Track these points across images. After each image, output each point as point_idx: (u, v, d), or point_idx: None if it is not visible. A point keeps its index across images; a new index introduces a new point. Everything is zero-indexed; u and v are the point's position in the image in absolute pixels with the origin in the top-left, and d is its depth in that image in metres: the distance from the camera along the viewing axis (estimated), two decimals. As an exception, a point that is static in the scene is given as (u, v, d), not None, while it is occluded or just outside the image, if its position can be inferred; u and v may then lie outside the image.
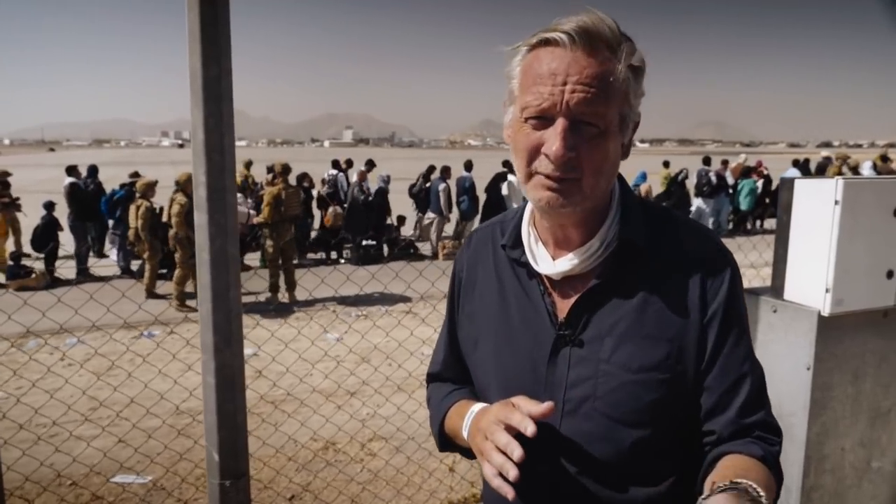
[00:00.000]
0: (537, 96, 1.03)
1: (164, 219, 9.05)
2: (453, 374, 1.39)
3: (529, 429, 0.98)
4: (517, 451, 0.97)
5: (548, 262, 1.17)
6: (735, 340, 1.11)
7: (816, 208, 2.03)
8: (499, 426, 1.02)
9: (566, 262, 1.14)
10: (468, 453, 1.26)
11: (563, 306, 1.15)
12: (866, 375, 2.19)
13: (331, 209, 11.91)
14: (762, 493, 0.91)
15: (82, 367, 4.52)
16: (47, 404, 4.04)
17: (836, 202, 1.96)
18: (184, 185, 9.06)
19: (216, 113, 1.74)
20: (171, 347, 5.01)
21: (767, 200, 17.27)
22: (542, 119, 1.04)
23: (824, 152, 18.79)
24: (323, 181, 13.45)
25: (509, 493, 0.99)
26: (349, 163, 14.59)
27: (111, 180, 13.42)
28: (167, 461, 4.04)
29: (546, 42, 1.04)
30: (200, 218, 1.78)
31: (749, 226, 16.69)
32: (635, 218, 1.16)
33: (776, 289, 2.19)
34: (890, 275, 2.11)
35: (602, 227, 1.14)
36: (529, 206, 1.24)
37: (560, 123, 1.02)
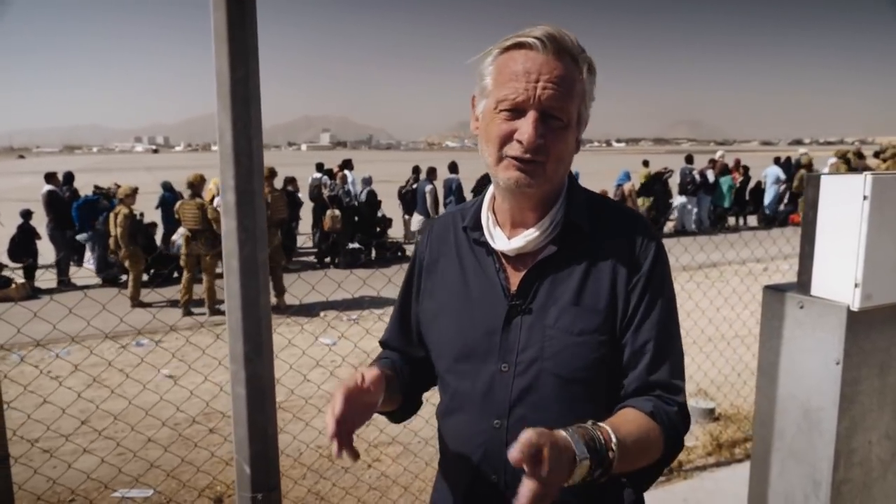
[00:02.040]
0: (513, 91, 1.18)
1: (191, 224, 8.83)
2: (397, 344, 1.55)
3: (338, 408, 1.11)
4: (329, 427, 1.11)
5: (503, 241, 1.32)
6: (651, 306, 1.27)
7: (844, 204, 2.03)
8: (329, 413, 1.14)
9: (520, 240, 1.30)
10: (389, 416, 1.49)
11: (515, 280, 1.31)
12: (891, 368, 2.20)
13: (328, 213, 11.75)
14: (604, 438, 1.06)
15: (95, 380, 4.39)
16: (42, 417, 3.94)
17: (865, 197, 1.97)
18: (198, 187, 8.97)
19: (244, 115, 1.69)
20: (163, 357, 4.92)
21: (748, 198, 17.52)
22: (516, 111, 1.19)
23: (801, 149, 19.06)
24: (324, 184, 13.21)
25: (347, 462, 1.13)
26: (346, 164, 14.26)
27: (85, 187, 13.20)
28: (172, 473, 3.95)
29: (520, 45, 1.21)
30: (229, 223, 1.73)
31: (731, 223, 16.87)
32: (579, 204, 1.33)
33: (803, 284, 2.19)
34: (914, 268, 2.11)
35: (552, 210, 1.31)
36: (489, 195, 1.39)
37: (532, 115, 1.18)
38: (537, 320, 1.27)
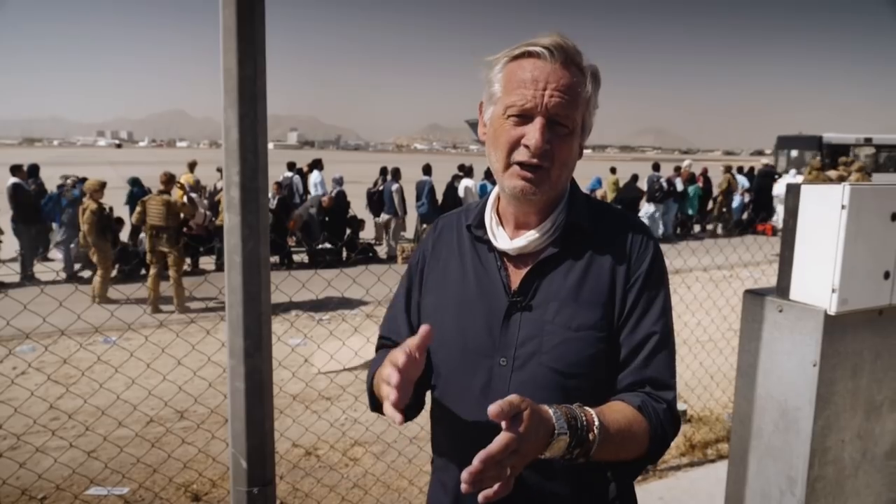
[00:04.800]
0: (521, 97, 1.23)
1: (155, 221, 8.70)
2: (399, 338, 1.50)
3: (401, 360, 1.10)
4: (393, 378, 1.08)
5: (506, 240, 1.36)
6: (647, 305, 1.31)
7: (823, 213, 2.12)
8: (390, 367, 1.12)
9: (523, 240, 1.34)
10: None
11: (516, 278, 1.34)
12: (863, 371, 2.29)
13: (295, 213, 11.71)
14: (587, 420, 1.09)
15: (84, 373, 4.31)
16: (7, 416, 3.87)
17: (843, 207, 2.05)
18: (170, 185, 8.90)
19: (251, 113, 1.71)
20: (129, 354, 4.84)
21: (710, 206, 17.89)
22: (523, 117, 1.24)
23: (763, 160, 19.54)
24: (279, 185, 13.19)
25: (397, 418, 1.09)
26: (315, 164, 14.14)
27: (49, 180, 12.93)
28: (141, 473, 3.91)
29: (529, 54, 1.25)
30: (232, 219, 1.75)
31: (696, 230, 17.21)
32: (580, 206, 1.38)
33: (782, 289, 2.27)
34: (886, 275, 2.22)
35: (554, 212, 1.35)
36: (493, 195, 1.44)
37: (539, 121, 1.22)
38: (537, 316, 1.30)
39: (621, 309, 1.31)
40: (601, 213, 1.40)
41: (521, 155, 1.25)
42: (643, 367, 1.30)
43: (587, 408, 1.14)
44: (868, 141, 22.64)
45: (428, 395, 1.56)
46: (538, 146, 1.22)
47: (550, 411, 1.06)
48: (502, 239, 1.37)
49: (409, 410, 1.46)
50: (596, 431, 1.10)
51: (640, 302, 1.31)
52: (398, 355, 1.12)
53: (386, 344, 1.58)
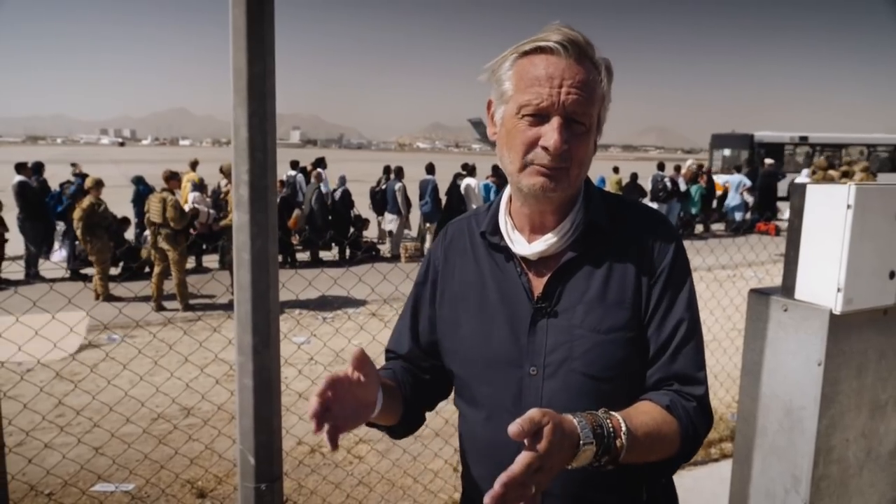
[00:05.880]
0: (536, 96, 1.17)
1: (155, 218, 8.73)
2: (406, 352, 1.50)
3: (320, 387, 1.04)
4: (312, 404, 1.03)
5: (524, 245, 1.31)
6: (673, 300, 1.27)
7: (829, 213, 2.12)
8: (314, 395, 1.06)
9: (542, 243, 1.29)
10: (389, 431, 1.42)
11: (538, 284, 1.29)
12: (868, 370, 2.29)
13: (296, 211, 11.75)
14: (614, 427, 1.07)
15: (92, 370, 4.34)
16: (16, 412, 3.89)
17: (849, 206, 2.06)
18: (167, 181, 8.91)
19: (260, 111, 1.72)
20: (137, 351, 4.86)
21: (714, 206, 17.89)
22: (539, 117, 1.18)
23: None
24: (282, 183, 13.21)
25: (328, 444, 1.04)
26: (319, 163, 14.18)
27: (52, 178, 12.98)
28: (148, 469, 3.93)
29: (540, 49, 1.19)
30: (241, 217, 1.76)
31: (700, 229, 17.20)
32: (597, 204, 1.33)
33: (787, 289, 2.28)
34: (892, 275, 2.22)
35: (571, 212, 1.30)
36: (504, 198, 1.38)
37: (557, 121, 1.17)
38: (564, 321, 1.26)
39: (647, 306, 1.27)
40: (619, 208, 1.35)
41: (539, 158, 1.20)
42: (670, 362, 1.26)
43: (613, 413, 1.11)
44: (804, 140, 22.36)
45: (447, 406, 1.52)
46: (557, 147, 1.17)
47: (575, 421, 1.03)
48: (520, 244, 1.31)
49: (402, 426, 1.43)
50: (623, 438, 1.07)
51: (665, 297, 1.27)
52: (321, 384, 1.06)
53: (390, 357, 1.55)
